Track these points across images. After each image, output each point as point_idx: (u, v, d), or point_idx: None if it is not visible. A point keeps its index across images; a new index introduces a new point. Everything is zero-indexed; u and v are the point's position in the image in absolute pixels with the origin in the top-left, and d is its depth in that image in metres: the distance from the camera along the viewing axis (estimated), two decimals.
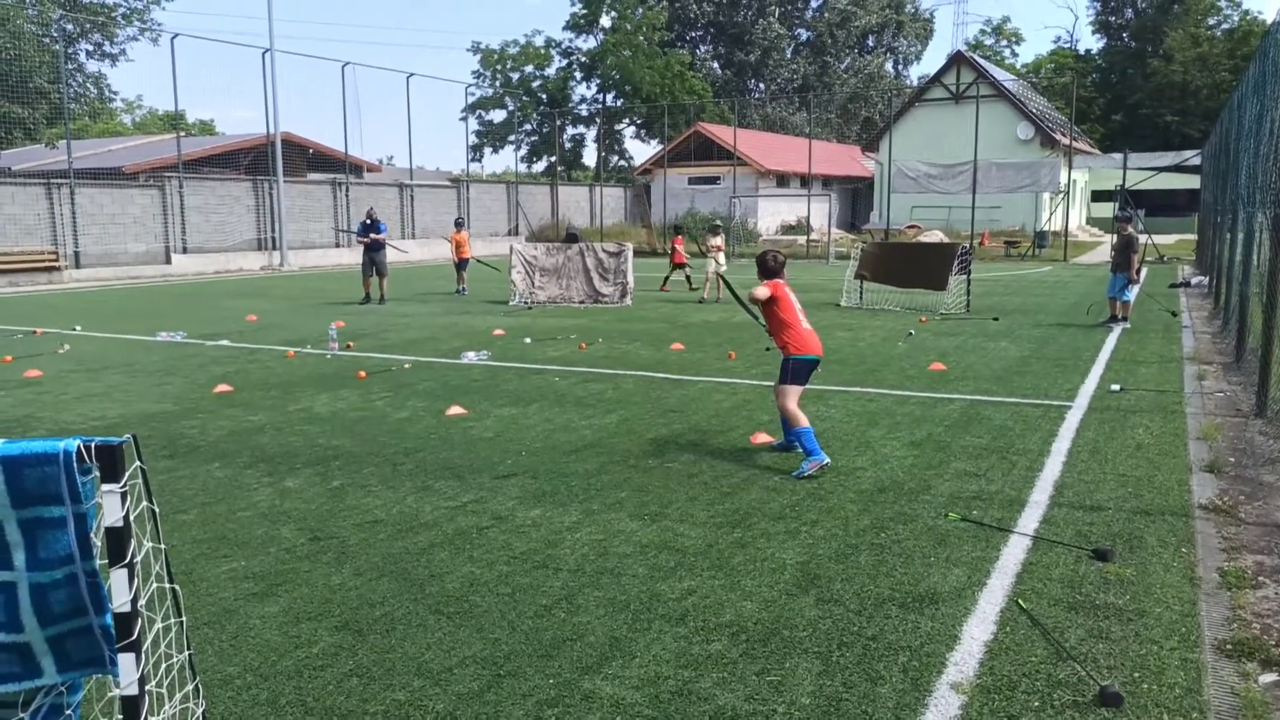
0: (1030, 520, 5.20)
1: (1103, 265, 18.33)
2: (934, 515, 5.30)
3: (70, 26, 33.11)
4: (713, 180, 42.87)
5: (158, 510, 2.47)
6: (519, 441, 7.09)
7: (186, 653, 2.84)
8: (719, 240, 18.77)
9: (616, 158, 60.59)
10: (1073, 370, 9.95)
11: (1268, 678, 3.49)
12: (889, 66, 68.99)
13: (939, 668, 3.56)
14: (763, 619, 3.99)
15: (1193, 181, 36.42)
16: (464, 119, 51.95)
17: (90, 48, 36.28)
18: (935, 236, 33.61)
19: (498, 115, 58.09)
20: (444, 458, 6.63)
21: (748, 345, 11.98)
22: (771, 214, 42.44)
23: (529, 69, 58.21)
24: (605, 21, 57.31)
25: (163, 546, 2.55)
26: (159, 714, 2.72)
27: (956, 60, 43.12)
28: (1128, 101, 59.35)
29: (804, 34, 66.61)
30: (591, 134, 59.59)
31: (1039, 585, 4.31)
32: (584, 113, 59.30)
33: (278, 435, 7.37)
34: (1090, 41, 75.71)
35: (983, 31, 74.95)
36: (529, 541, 4.94)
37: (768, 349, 11.43)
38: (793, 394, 6.30)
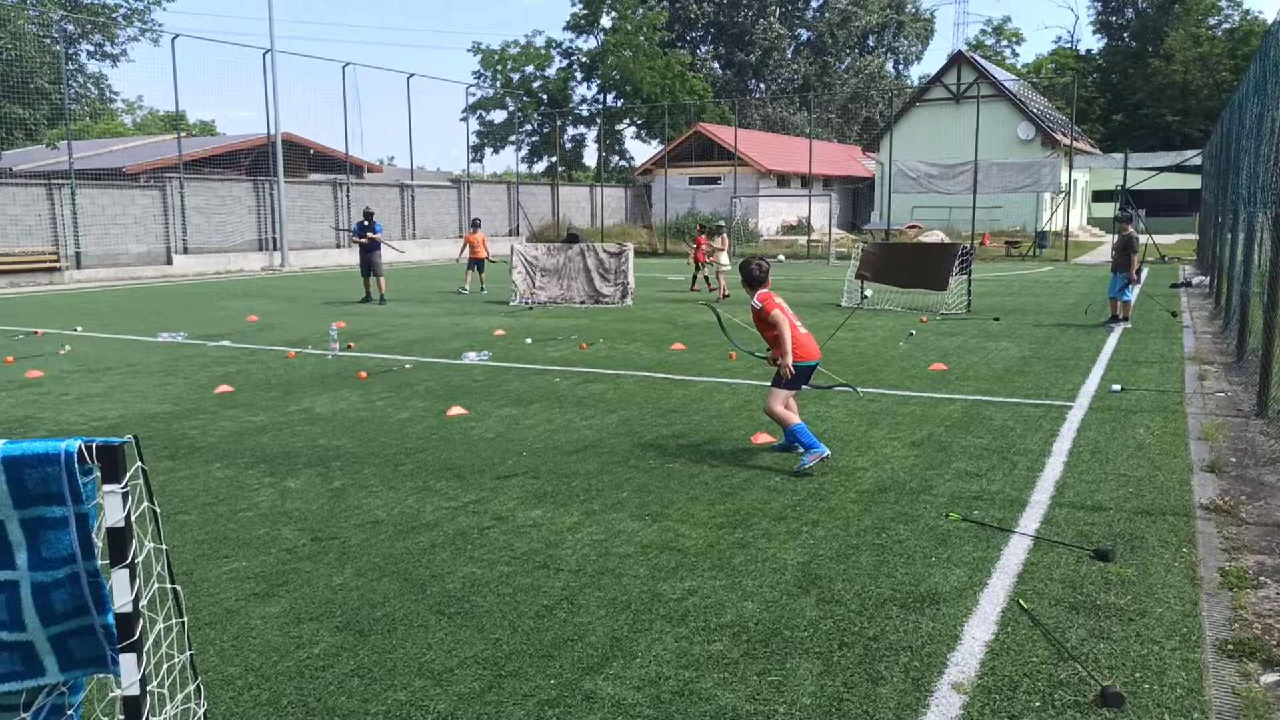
0: (1031, 520, 5.20)
1: (1103, 265, 18.35)
2: (935, 515, 5.30)
3: (71, 27, 33.14)
4: (713, 180, 42.87)
5: (159, 511, 2.48)
6: (520, 442, 7.09)
7: (188, 653, 2.84)
8: (720, 240, 18.97)
9: (617, 158, 60.62)
10: (1074, 370, 9.95)
11: (1269, 678, 3.49)
12: (889, 66, 69.02)
13: (940, 668, 3.56)
14: (764, 619, 3.99)
15: (1193, 181, 36.42)
16: (464, 119, 52.02)
17: (91, 48, 36.32)
18: (936, 237, 33.60)
19: (498, 115, 58.14)
20: (445, 458, 6.63)
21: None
22: (772, 214, 42.44)
23: (529, 69, 58.22)
24: (606, 22, 57.33)
25: (164, 547, 2.55)
26: (160, 714, 2.72)
27: (957, 60, 43.13)
28: (1128, 101, 59.35)
29: (804, 34, 66.63)
30: (592, 134, 59.61)
31: (1040, 585, 4.31)
32: (584, 113, 59.32)
33: (279, 436, 7.37)
34: (1091, 41, 75.78)
35: (983, 31, 75.02)
36: (530, 542, 4.94)
37: (762, 356, 11.43)
38: (780, 398, 6.30)
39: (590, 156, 60.81)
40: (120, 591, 2.22)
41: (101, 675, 2.43)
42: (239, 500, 5.71)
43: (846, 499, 5.61)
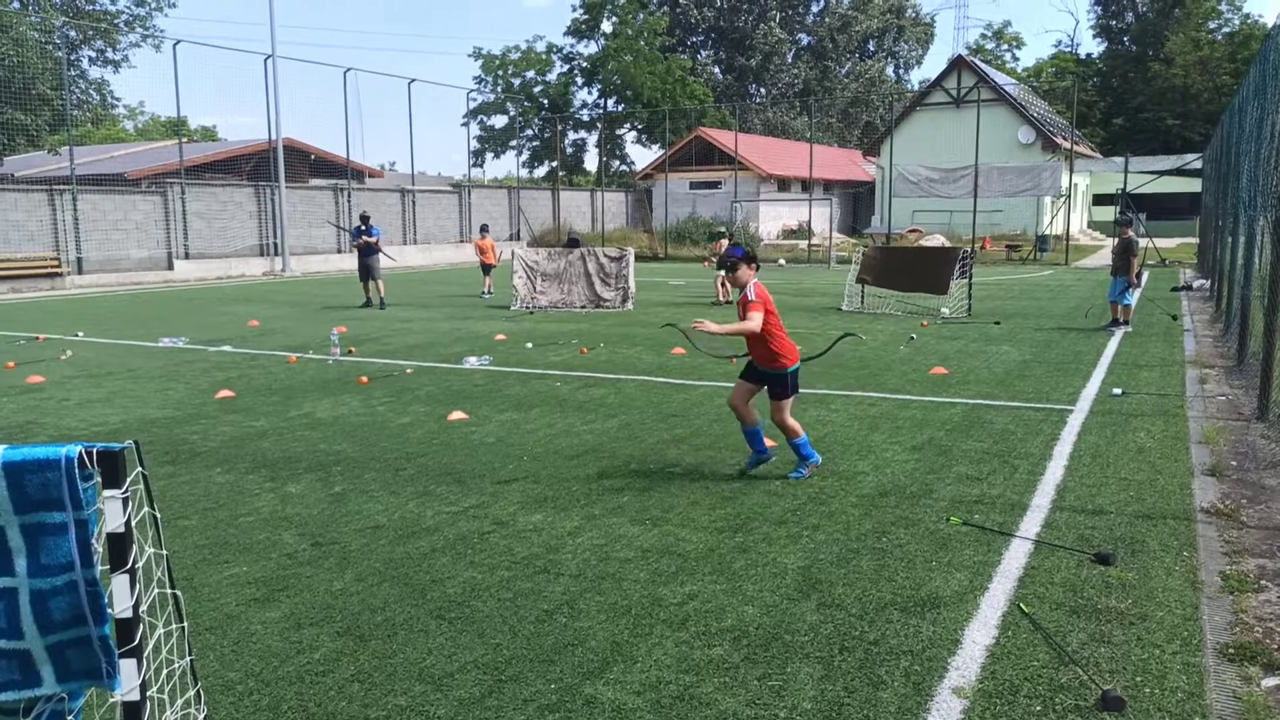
0: (1032, 524, 5.20)
1: (1104, 269, 18.36)
2: (935, 519, 5.29)
3: (73, 33, 33.20)
4: (714, 185, 42.91)
5: (159, 516, 2.48)
6: (520, 446, 7.09)
7: (188, 658, 2.84)
8: (720, 245, 19.09)
9: (618, 163, 60.63)
10: (1074, 374, 9.95)
11: (1270, 681, 3.49)
12: (890, 71, 69.09)
13: (941, 672, 3.56)
14: (764, 624, 3.98)
15: (1194, 185, 36.43)
16: (465, 124, 52.00)
17: (93, 54, 36.35)
18: (937, 241, 33.62)
19: (499, 120, 58.16)
20: (445, 463, 6.63)
21: None
22: (773, 218, 42.47)
23: (530, 74, 58.26)
24: (606, 27, 57.39)
25: (164, 552, 2.56)
26: (160, 719, 2.72)
27: (957, 64, 43.18)
28: (1129, 105, 59.39)
29: (805, 39, 66.71)
30: (593, 139, 59.66)
31: (1041, 589, 4.31)
32: (585, 118, 59.37)
33: (279, 441, 7.37)
34: (1091, 45, 75.93)
35: (983, 36, 75.09)
36: (530, 546, 4.94)
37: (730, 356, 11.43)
38: (787, 406, 6.16)
39: (591, 161, 60.86)
40: (120, 596, 2.23)
41: (102, 689, 2.42)
42: (240, 505, 5.72)
43: (847, 503, 5.61)
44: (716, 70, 65.11)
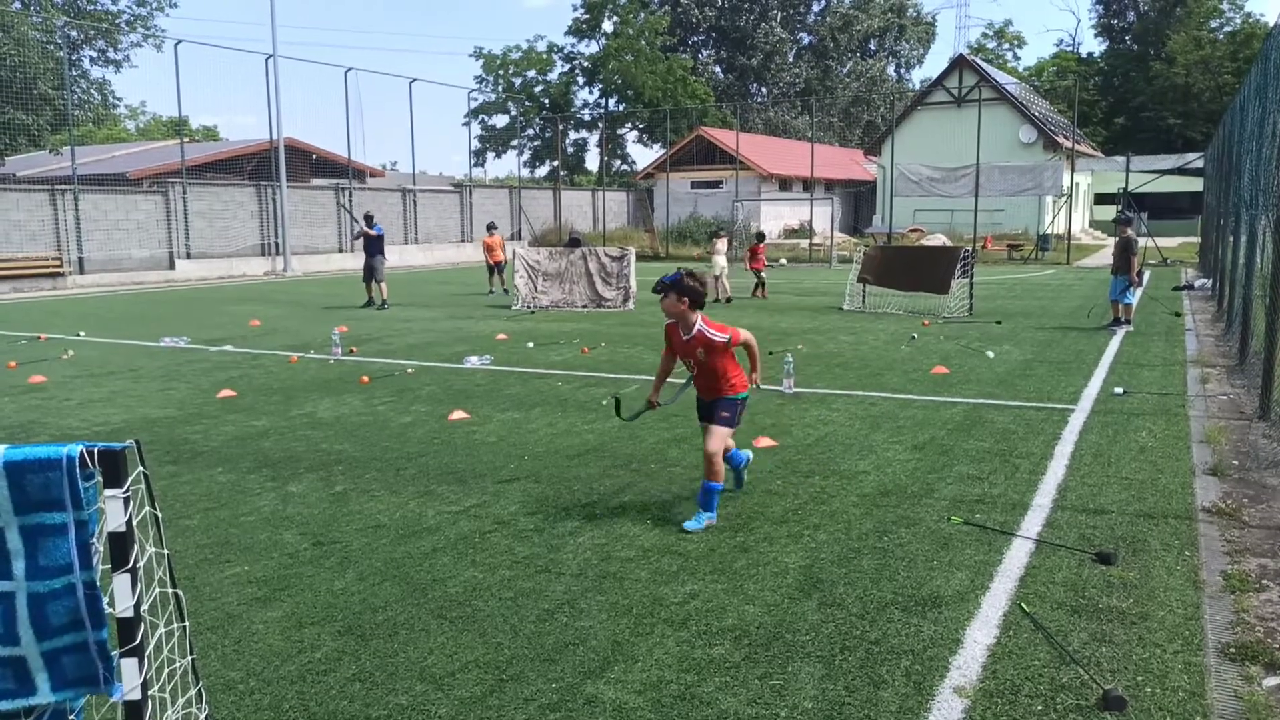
0: (1033, 524, 5.20)
1: (1106, 268, 18.34)
2: (937, 519, 5.29)
3: (74, 33, 33.21)
4: (715, 184, 42.90)
5: (160, 515, 2.48)
6: (522, 446, 7.09)
7: (189, 658, 2.84)
8: (720, 243, 19.36)
9: (619, 162, 60.65)
10: (1076, 373, 9.94)
11: (1271, 681, 3.49)
12: (891, 70, 69.06)
13: (942, 672, 3.56)
14: (765, 623, 3.98)
15: (1196, 184, 36.39)
16: (466, 124, 52.02)
17: (94, 54, 36.36)
18: (938, 240, 33.60)
19: (500, 120, 58.20)
20: (446, 462, 6.64)
21: None
22: (774, 218, 42.46)
23: (531, 74, 58.29)
24: (607, 26, 57.40)
25: (166, 551, 2.56)
26: (162, 719, 2.72)
27: (959, 64, 43.17)
28: (1130, 104, 59.36)
29: (806, 38, 66.70)
30: (594, 138, 59.68)
31: (1042, 589, 4.30)
32: (586, 117, 59.38)
33: (281, 440, 7.38)
34: (1092, 44, 75.89)
35: (985, 35, 75.11)
36: (531, 546, 4.94)
37: (771, 353, 11.43)
38: (729, 438, 5.43)
39: (592, 161, 60.88)
40: (122, 596, 2.22)
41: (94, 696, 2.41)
42: (241, 505, 5.72)
43: (848, 502, 5.61)
44: (718, 70, 65.11)
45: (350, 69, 32.34)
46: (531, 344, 12.75)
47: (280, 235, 29.27)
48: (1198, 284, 20.59)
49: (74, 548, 2.16)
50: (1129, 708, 3.27)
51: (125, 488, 2.19)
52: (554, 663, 3.66)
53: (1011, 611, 4.07)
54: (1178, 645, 3.75)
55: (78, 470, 2.12)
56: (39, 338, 13.93)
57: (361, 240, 18.75)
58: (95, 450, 2.15)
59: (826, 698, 3.38)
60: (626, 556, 4.77)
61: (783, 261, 32.46)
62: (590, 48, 58.49)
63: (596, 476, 6.22)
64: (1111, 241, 18.12)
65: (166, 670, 2.77)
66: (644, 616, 4.07)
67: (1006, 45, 74.19)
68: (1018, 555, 4.73)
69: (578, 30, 58.20)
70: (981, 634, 3.86)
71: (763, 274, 19.75)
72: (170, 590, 2.67)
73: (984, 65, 45.86)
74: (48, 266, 23.55)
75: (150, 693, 2.34)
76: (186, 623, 2.66)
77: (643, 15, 56.92)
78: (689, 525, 5.17)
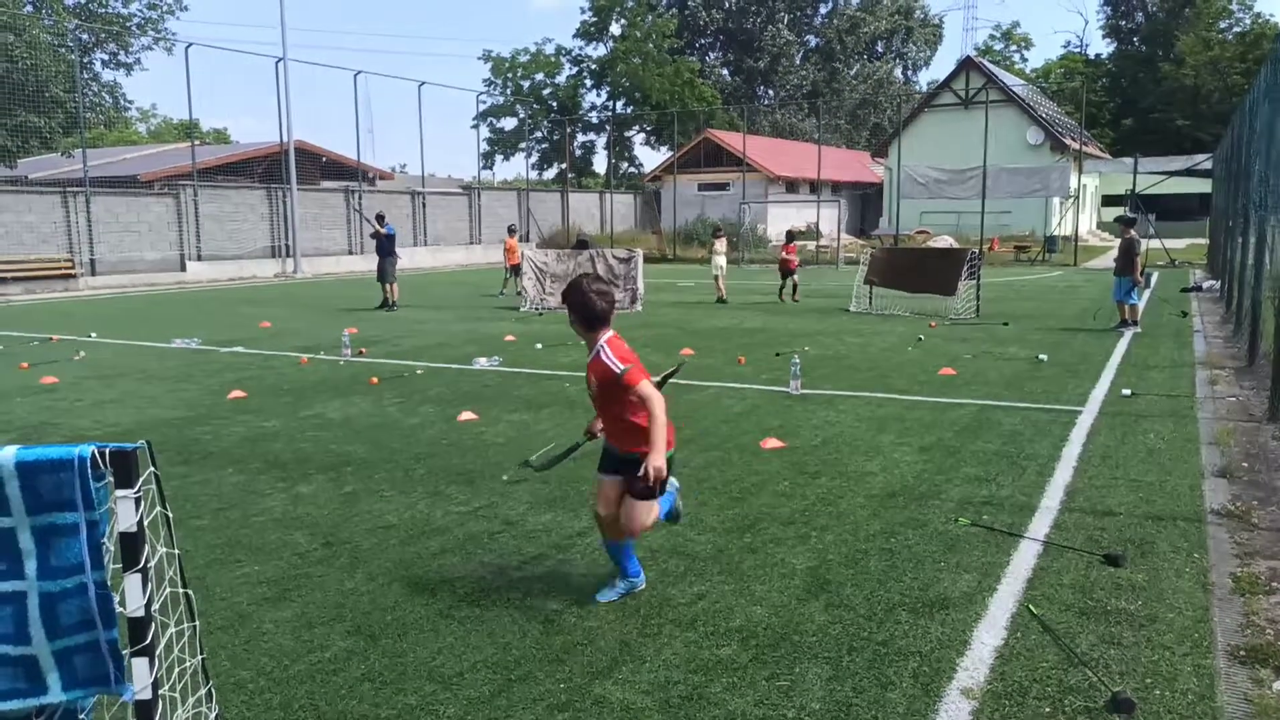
0: (1041, 525, 5.19)
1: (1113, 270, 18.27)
2: (944, 520, 5.29)
3: (86, 36, 33.39)
4: (722, 187, 42.89)
5: (171, 516, 2.50)
6: (530, 447, 7.10)
7: (200, 657, 2.86)
8: (720, 243, 19.49)
9: (626, 164, 60.64)
10: (1084, 375, 9.91)
11: None
12: (898, 72, 68.95)
13: (949, 673, 3.56)
14: (772, 624, 3.99)
15: (1204, 186, 36.23)
16: (475, 127, 52.00)
17: (105, 57, 36.55)
18: (945, 242, 33.53)
19: (509, 123, 58.25)
20: (455, 463, 6.65)
21: (757, 350, 11.97)
22: (781, 220, 42.41)
23: (539, 77, 58.35)
24: (615, 29, 57.43)
25: (176, 552, 2.58)
26: (172, 718, 2.74)
27: (966, 65, 43.09)
28: (1138, 106, 59.12)
29: (813, 40, 66.63)
30: (602, 141, 59.74)
31: (1050, 591, 4.30)
32: (594, 120, 59.43)
33: (291, 441, 7.41)
34: (1100, 46, 75.53)
35: (992, 37, 74.90)
36: (540, 546, 4.95)
37: (778, 354, 11.42)
38: (655, 511, 4.16)
39: (600, 163, 60.93)
40: (133, 596, 2.24)
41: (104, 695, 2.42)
42: (251, 505, 5.74)
43: (855, 504, 5.61)
44: (725, 72, 65.10)
45: (360, 72, 32.50)
46: (540, 345, 12.77)
47: (290, 237, 29.37)
48: (1206, 285, 20.51)
49: (85, 547, 2.18)
50: (1138, 710, 3.26)
51: (136, 488, 2.21)
52: (562, 663, 3.67)
53: (1019, 613, 4.07)
54: (1187, 648, 3.74)
55: (89, 471, 2.13)
56: (51, 339, 14.01)
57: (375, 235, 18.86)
58: (107, 451, 2.17)
59: (834, 699, 3.38)
60: None
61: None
62: (598, 50, 58.57)
63: None
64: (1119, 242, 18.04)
65: (177, 670, 2.79)
66: (652, 617, 4.07)
67: (1014, 47, 74.02)
68: (1025, 557, 4.72)
69: (586, 33, 58.25)
70: (989, 636, 3.86)
71: (795, 275, 18.98)
72: (181, 590, 2.69)
73: (991, 67, 45.74)
74: (60, 268, 23.68)
75: (161, 692, 2.35)
76: (197, 622, 2.68)
77: (650, 18, 56.94)
78: (601, 596, 4.22)
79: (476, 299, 20.65)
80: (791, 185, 44.25)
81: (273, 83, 29.20)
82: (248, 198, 29.11)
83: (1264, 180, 10.02)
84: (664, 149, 56.16)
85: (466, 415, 8.18)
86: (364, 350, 12.38)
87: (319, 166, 35.01)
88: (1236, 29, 59.14)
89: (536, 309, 17.72)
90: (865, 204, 49.65)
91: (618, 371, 4.00)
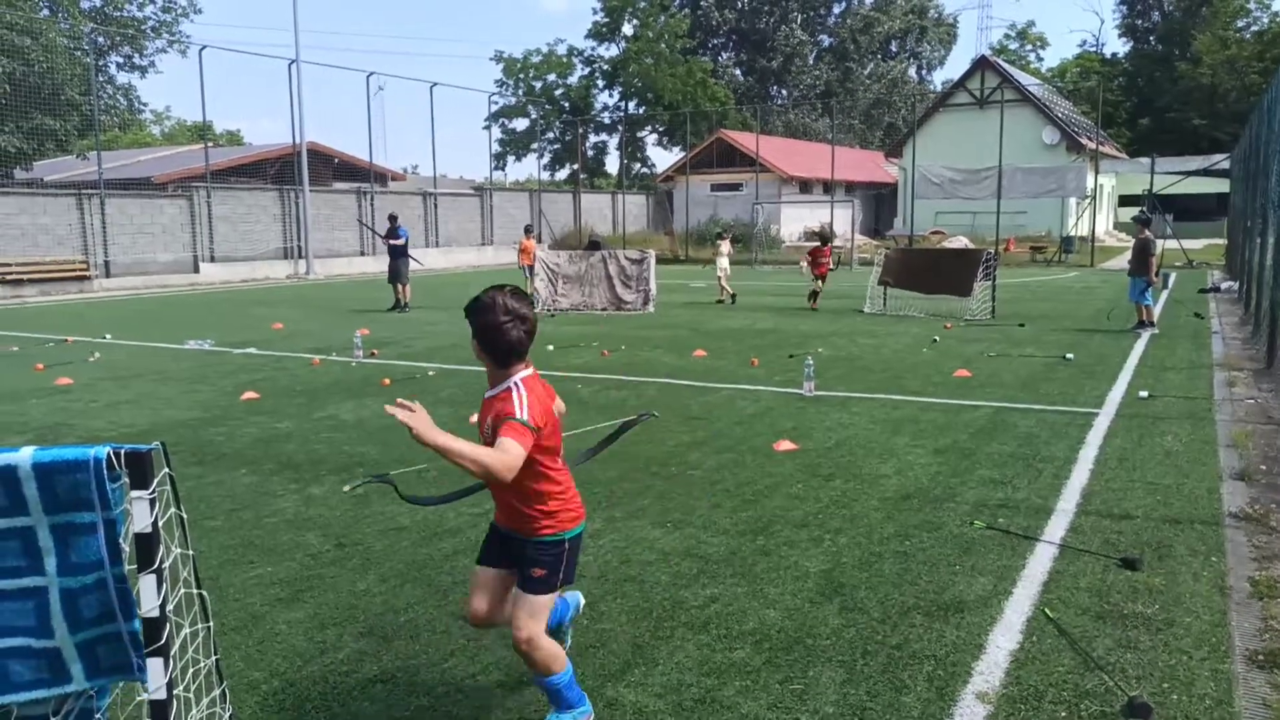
0: (1057, 528, 5.15)
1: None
2: (959, 523, 5.26)
3: (101, 39, 33.63)
4: (735, 187, 42.84)
5: (185, 516, 2.50)
6: None
7: (214, 657, 2.87)
8: (725, 245, 19.77)
9: (639, 165, 60.70)
10: (1100, 377, 9.85)
11: None
12: (912, 72, 68.73)
13: (964, 677, 3.53)
14: (786, 627, 3.97)
15: (1222, 185, 35.97)
16: (487, 127, 52.14)
17: (120, 60, 36.82)
18: (960, 242, 33.38)
19: (520, 123, 58.42)
20: None
21: (770, 352, 11.95)
22: (795, 220, 42.35)
23: (551, 77, 58.45)
24: (627, 29, 57.48)
25: (191, 552, 2.58)
26: (186, 718, 2.74)
27: (981, 65, 42.89)
28: (1155, 105, 58.75)
29: (826, 40, 66.52)
30: (614, 141, 59.78)
31: (1066, 594, 4.26)
32: (606, 120, 59.49)
33: (304, 442, 7.43)
34: (1116, 45, 75.22)
35: (1007, 36, 74.56)
36: None
37: (791, 356, 11.39)
38: (544, 611, 3.20)
39: (612, 164, 60.95)
40: (147, 596, 2.25)
41: (127, 683, 2.45)
42: (264, 506, 5.76)
43: (869, 506, 5.58)
44: (738, 72, 65.04)
45: (372, 73, 32.72)
46: (551, 347, 12.77)
47: (303, 238, 29.50)
48: (1224, 286, 20.35)
49: (104, 545, 2.20)
50: (1154, 715, 3.23)
51: (151, 489, 2.22)
52: (574, 665, 3.65)
53: (1035, 617, 4.04)
54: (1204, 652, 3.70)
55: (105, 472, 2.14)
56: (66, 340, 14.11)
57: (388, 239, 18.94)
58: (122, 452, 2.18)
59: (848, 702, 3.36)
60: (646, 560, 4.77)
61: (803, 265, 32.34)
62: (610, 51, 58.62)
63: (616, 480, 6.22)
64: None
65: (191, 670, 2.80)
66: (664, 620, 4.06)
67: (1029, 46, 73.67)
68: (1041, 560, 4.69)
69: (598, 33, 58.32)
70: (1004, 639, 3.83)
71: (821, 282, 17.90)
72: (195, 591, 2.69)
73: (1006, 66, 45.52)
74: (74, 270, 23.85)
75: (175, 692, 2.36)
76: (211, 623, 2.68)
77: (663, 18, 56.95)
78: None
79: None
80: (805, 186, 44.16)
81: (285, 84, 29.36)
82: (260, 199, 29.26)
83: None
84: (676, 149, 56.18)
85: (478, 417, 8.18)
86: (376, 352, 12.42)
87: (331, 168, 35.18)
88: (1254, 28, 58.68)
89: (549, 310, 17.73)
90: (879, 204, 49.52)
91: (520, 419, 3.04)
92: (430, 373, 10.75)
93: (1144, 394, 8.77)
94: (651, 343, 13.13)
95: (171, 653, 2.35)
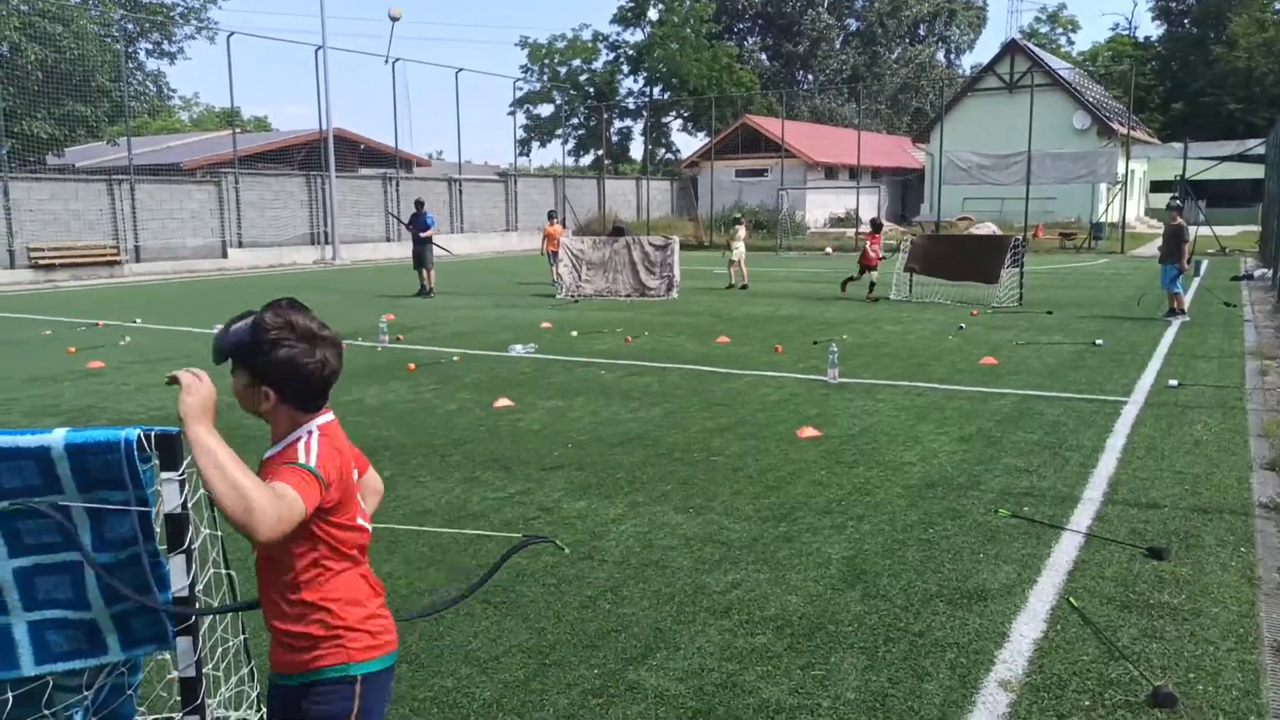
0: (1083, 517, 5.11)
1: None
2: (984, 511, 5.23)
3: (131, 26, 33.92)
4: (760, 173, 42.60)
5: None
6: (565, 434, 7.13)
7: (242, 637, 2.91)
8: (740, 229, 19.72)
9: (663, 150, 60.45)
10: (1129, 365, 9.74)
11: None
12: (940, 56, 67.92)
13: (987, 665, 3.52)
14: (808, 613, 3.97)
15: (1257, 171, 35.33)
16: (512, 113, 52.14)
17: (150, 46, 37.07)
18: (987, 229, 33.04)
19: (545, 109, 58.34)
20: (491, 449, 6.70)
21: (794, 339, 11.90)
22: (820, 206, 42.08)
23: (576, 63, 58.28)
24: (652, 14, 57.14)
25: (219, 533, 2.63)
26: (215, 695, 2.79)
27: (1010, 48, 42.27)
28: (1188, 89, 57.70)
29: (853, 24, 65.83)
30: (638, 127, 59.58)
31: (1091, 583, 4.24)
32: (631, 106, 59.27)
33: None
34: (1149, 28, 73.93)
35: (1037, 19, 73.38)
36: (575, 533, 4.97)
37: (816, 342, 11.35)
38: None
39: (636, 149, 60.79)
40: (177, 576, 2.29)
41: (161, 655, 2.50)
42: None
43: (893, 494, 5.56)
44: (764, 57, 64.55)
45: (398, 59, 32.68)
46: (575, 333, 12.80)
47: (329, 224, 29.68)
48: (1257, 274, 20.02)
49: (136, 522, 2.24)
50: (1180, 705, 3.21)
51: (181, 470, 2.25)
52: (596, 649, 3.68)
53: (1059, 606, 4.01)
54: (1231, 643, 3.67)
55: (135, 453, 2.18)
56: (97, 324, 14.30)
57: (412, 226, 19.04)
58: (152, 434, 2.22)
59: (869, 689, 3.36)
60: (669, 544, 4.78)
61: (828, 250, 32.16)
62: (635, 36, 58.33)
63: (639, 464, 6.23)
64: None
65: (220, 649, 2.85)
66: (686, 604, 4.08)
67: (1060, 30, 72.53)
68: (1066, 549, 4.66)
69: (623, 18, 58.04)
70: (1028, 628, 3.81)
71: (873, 272, 16.86)
72: (224, 571, 2.73)
73: (1036, 50, 44.88)
74: (105, 255, 24.14)
75: (205, 670, 2.40)
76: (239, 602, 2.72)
77: (688, 2, 56.56)
78: None
79: (512, 286, 20.73)
80: (830, 171, 43.84)
81: (312, 71, 29.46)
82: (287, 185, 29.44)
83: None
84: (701, 135, 55.91)
85: (503, 402, 8.23)
86: (401, 336, 12.49)
87: (357, 154, 35.32)
88: None
89: (572, 296, 17.75)
90: (906, 190, 49.06)
91: (306, 465, 2.15)
92: (455, 358, 10.81)
93: (1173, 383, 8.67)
94: (675, 329, 13.12)
95: (201, 632, 2.40)
